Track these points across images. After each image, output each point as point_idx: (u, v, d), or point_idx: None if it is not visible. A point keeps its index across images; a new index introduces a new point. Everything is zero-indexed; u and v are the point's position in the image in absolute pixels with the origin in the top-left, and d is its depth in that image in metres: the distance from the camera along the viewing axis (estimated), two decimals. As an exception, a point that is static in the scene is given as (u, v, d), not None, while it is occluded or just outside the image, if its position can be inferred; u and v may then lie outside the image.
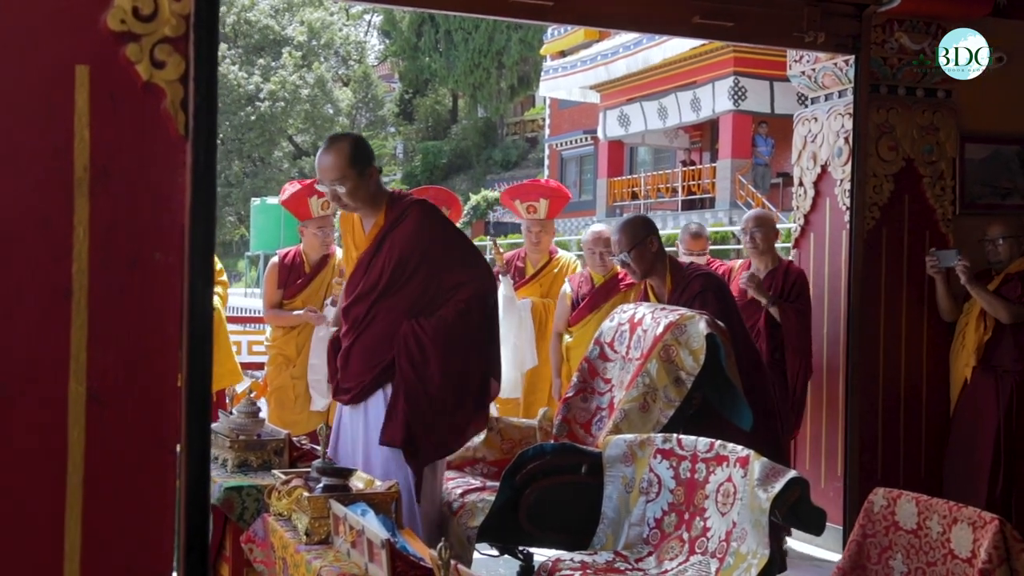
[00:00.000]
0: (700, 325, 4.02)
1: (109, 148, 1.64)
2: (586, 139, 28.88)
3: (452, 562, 2.30)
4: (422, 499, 3.88)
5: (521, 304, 6.09)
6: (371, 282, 3.94)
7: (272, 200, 31.11)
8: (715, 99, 21.64)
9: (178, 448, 1.79)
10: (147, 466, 1.67)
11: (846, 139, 5.73)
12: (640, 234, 4.62)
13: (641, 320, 4.32)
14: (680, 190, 23.35)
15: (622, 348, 4.35)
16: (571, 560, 3.51)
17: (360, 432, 3.95)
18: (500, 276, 6.04)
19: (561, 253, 6.38)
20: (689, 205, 23.06)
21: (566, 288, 6.04)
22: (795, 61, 6.15)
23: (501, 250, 6.39)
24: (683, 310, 4.18)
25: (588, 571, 3.42)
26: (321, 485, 3.13)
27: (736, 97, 21.21)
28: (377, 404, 3.90)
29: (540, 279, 6.26)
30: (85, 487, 1.62)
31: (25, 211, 1.60)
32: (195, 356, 1.71)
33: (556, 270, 6.27)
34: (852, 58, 5.65)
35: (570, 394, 4.48)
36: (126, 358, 1.65)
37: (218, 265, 5.58)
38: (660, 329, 4.11)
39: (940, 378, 5.79)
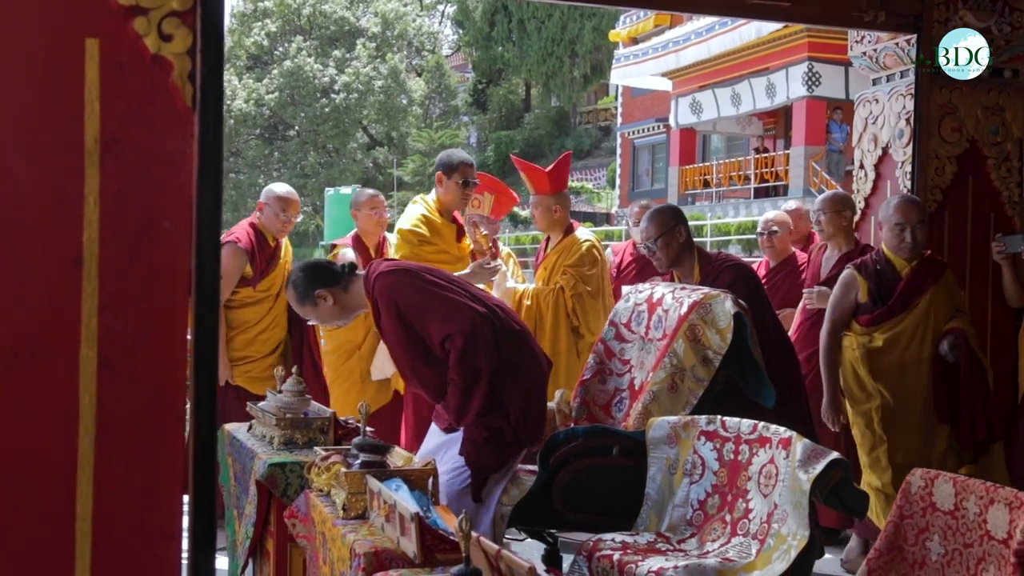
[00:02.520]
0: (726, 304, 4.00)
1: (119, 119, 1.68)
2: (658, 127, 28.71)
3: (474, 534, 2.32)
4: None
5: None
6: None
7: (346, 190, 31.47)
8: (788, 85, 21.38)
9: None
10: (156, 429, 1.71)
11: (907, 120, 5.61)
12: (668, 223, 4.58)
13: (660, 300, 4.29)
14: (753, 178, 23.10)
15: (640, 328, 4.33)
16: (612, 540, 3.51)
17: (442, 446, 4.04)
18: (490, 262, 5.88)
19: (578, 231, 5.98)
20: (762, 193, 22.81)
21: (607, 255, 5.88)
22: (856, 42, 6.03)
23: (484, 231, 6.06)
24: (706, 289, 4.16)
25: (629, 551, 3.41)
26: (359, 461, 3.16)
27: (810, 83, 20.93)
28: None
29: (545, 260, 5.94)
30: (96, 449, 1.67)
31: (37, 181, 1.65)
32: (202, 322, 1.74)
33: (562, 247, 5.87)
34: (914, 37, 5.53)
35: (587, 376, 4.46)
36: (135, 324, 1.69)
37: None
38: (685, 309, 4.09)
39: (1006, 363, 5.64)
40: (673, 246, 4.57)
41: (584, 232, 6.02)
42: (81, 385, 1.66)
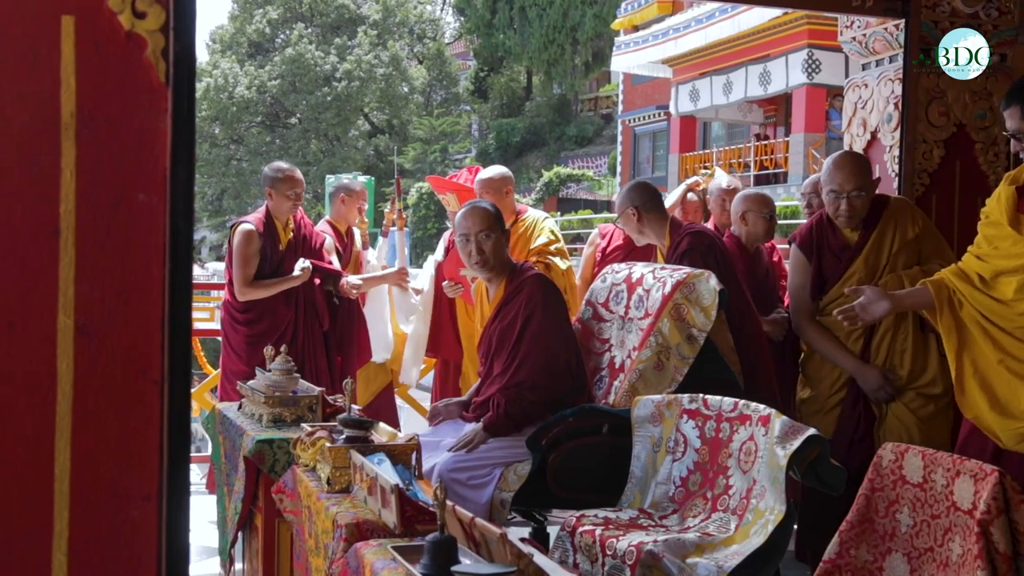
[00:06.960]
0: (711, 282, 4.09)
1: (94, 95, 1.73)
2: (659, 115, 28.67)
3: (449, 503, 2.37)
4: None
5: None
6: None
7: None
8: (788, 72, 21.35)
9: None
10: (132, 394, 1.77)
11: (895, 105, 5.64)
12: (622, 205, 4.74)
13: (640, 280, 4.35)
14: (752, 165, 23.10)
15: (619, 308, 4.39)
16: (595, 516, 3.57)
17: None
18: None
19: (529, 213, 5.94)
20: (762, 180, 22.80)
21: (595, 237, 5.97)
22: (846, 27, 6.06)
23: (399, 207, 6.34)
24: (687, 269, 4.22)
25: (610, 527, 3.47)
26: (343, 436, 3.23)
27: (810, 70, 20.90)
28: None
29: None
30: (74, 414, 1.72)
31: (15, 155, 1.70)
32: (176, 291, 1.80)
33: (521, 230, 5.79)
34: (902, 23, 5.56)
35: None
36: (111, 293, 1.75)
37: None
38: (668, 289, 4.15)
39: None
40: (631, 224, 4.71)
41: (536, 212, 6.05)
42: (59, 351, 1.72)
